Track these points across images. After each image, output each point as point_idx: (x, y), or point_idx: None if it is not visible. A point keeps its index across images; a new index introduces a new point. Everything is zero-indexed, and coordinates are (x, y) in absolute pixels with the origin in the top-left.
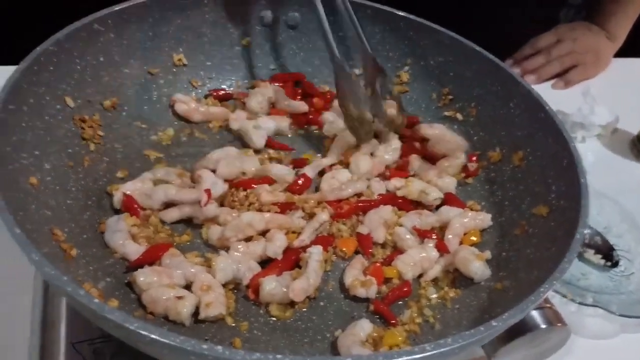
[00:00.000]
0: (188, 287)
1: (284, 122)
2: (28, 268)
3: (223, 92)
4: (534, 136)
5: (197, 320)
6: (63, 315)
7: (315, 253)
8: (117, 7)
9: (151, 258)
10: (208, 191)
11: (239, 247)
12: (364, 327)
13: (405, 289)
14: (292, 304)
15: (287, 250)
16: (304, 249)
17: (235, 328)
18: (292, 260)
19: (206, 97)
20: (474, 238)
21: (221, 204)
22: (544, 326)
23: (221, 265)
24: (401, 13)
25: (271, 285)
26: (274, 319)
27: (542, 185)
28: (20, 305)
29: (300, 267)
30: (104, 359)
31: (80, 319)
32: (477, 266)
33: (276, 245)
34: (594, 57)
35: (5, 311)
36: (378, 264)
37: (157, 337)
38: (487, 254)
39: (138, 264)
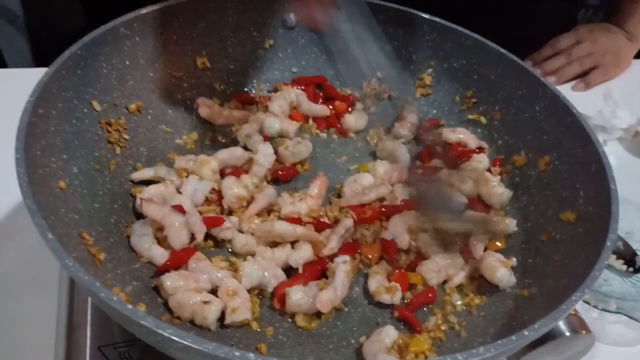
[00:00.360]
0: (214, 291)
1: (292, 127)
2: (53, 271)
3: (246, 95)
4: (561, 141)
5: (222, 325)
6: (88, 318)
7: (343, 263)
8: (143, 11)
9: (177, 262)
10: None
11: (264, 253)
12: (390, 333)
13: (430, 295)
14: (318, 314)
15: (314, 260)
16: (331, 258)
17: (261, 333)
18: (319, 270)
19: (229, 100)
20: (498, 244)
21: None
22: (568, 334)
23: (247, 270)
24: (424, 15)
25: (297, 296)
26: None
27: (569, 191)
28: (46, 308)
29: (327, 277)
30: None
31: (105, 322)
32: (502, 273)
33: (299, 256)
34: (614, 57)
35: (31, 314)
36: (403, 270)
37: (190, 344)
38: (513, 261)
39: (165, 269)
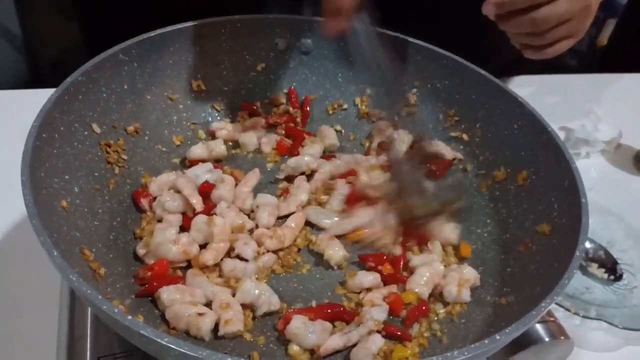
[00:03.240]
0: (208, 305)
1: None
2: (54, 285)
3: (252, 106)
4: (537, 157)
5: (216, 336)
6: (88, 330)
7: (372, 321)
8: (140, 38)
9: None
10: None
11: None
12: (376, 341)
13: (424, 308)
14: (312, 351)
15: (334, 304)
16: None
17: (253, 342)
18: (334, 314)
19: (239, 110)
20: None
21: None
22: (547, 339)
23: (245, 287)
24: (410, 39)
25: (297, 324)
26: None
27: (545, 204)
28: (47, 321)
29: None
30: None
31: (105, 333)
32: (448, 290)
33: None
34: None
35: (33, 326)
36: (396, 293)
37: (186, 351)
38: (471, 282)
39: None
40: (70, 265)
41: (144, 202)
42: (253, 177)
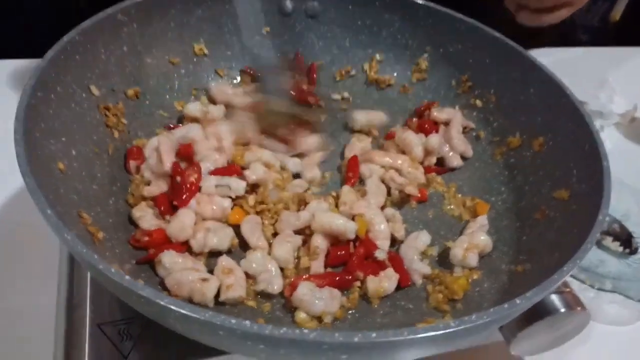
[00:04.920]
0: (210, 272)
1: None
2: (52, 252)
3: (254, 71)
4: (555, 121)
5: (217, 303)
6: (88, 297)
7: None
8: None
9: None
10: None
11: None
12: (423, 238)
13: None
14: (319, 318)
15: (342, 272)
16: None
17: (258, 310)
18: (341, 281)
19: (241, 73)
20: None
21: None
22: (563, 310)
23: (250, 257)
24: (419, 1)
25: (303, 291)
26: None
27: (563, 170)
28: (46, 288)
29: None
30: (129, 339)
31: (104, 301)
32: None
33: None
34: None
35: (31, 295)
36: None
37: (188, 312)
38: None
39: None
40: (67, 227)
41: (132, 165)
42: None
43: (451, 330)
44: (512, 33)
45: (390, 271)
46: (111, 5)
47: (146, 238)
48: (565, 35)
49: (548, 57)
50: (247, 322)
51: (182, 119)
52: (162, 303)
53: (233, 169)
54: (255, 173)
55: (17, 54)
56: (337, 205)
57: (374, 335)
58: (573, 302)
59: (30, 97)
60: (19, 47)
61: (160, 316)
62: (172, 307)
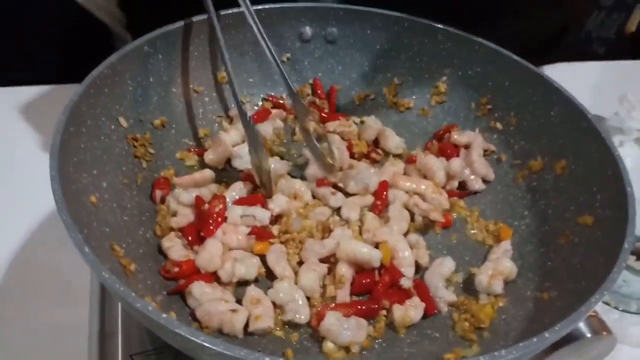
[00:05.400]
0: (238, 301)
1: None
2: (84, 281)
3: (276, 99)
4: (577, 145)
5: (247, 333)
6: (119, 327)
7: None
8: (165, 29)
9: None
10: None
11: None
12: (447, 265)
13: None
14: (347, 348)
15: (369, 301)
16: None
17: (286, 340)
18: (368, 310)
19: (263, 100)
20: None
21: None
22: (589, 335)
23: (277, 287)
24: (438, 25)
25: (331, 320)
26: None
27: (586, 195)
28: (78, 318)
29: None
30: None
31: (136, 330)
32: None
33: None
34: None
35: (63, 323)
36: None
37: (223, 350)
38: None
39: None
40: (102, 261)
41: (158, 194)
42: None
43: None
44: (524, 48)
45: (416, 300)
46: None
47: (176, 269)
48: (580, 48)
49: (564, 72)
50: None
51: (202, 143)
52: (197, 341)
53: (257, 198)
54: (278, 205)
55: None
56: (360, 232)
57: None
58: (599, 327)
59: (64, 132)
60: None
61: (195, 352)
62: (208, 345)
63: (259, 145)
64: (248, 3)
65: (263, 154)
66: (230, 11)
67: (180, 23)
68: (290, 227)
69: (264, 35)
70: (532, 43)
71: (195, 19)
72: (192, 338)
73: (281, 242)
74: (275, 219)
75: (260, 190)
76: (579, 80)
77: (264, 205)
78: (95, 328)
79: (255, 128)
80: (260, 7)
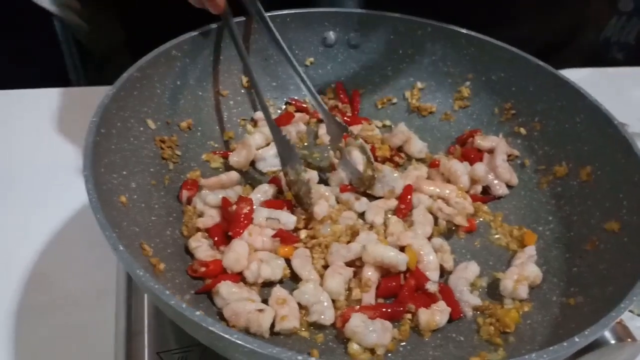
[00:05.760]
0: (264, 301)
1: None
2: (110, 280)
3: (299, 103)
4: (603, 151)
5: (272, 333)
6: (146, 325)
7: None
8: (192, 34)
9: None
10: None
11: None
12: (472, 269)
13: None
14: (372, 350)
15: (395, 303)
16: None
17: (311, 340)
18: (392, 313)
19: (287, 104)
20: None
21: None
22: (613, 342)
23: (303, 288)
24: (462, 30)
25: (356, 322)
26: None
27: (612, 201)
28: (104, 316)
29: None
30: None
31: (162, 329)
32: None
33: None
34: None
35: (90, 320)
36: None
37: (256, 348)
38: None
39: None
40: (137, 262)
41: (184, 195)
42: None
43: None
44: (532, 50)
45: (442, 304)
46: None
47: (203, 269)
48: (599, 53)
49: (582, 77)
50: (313, 359)
51: (229, 145)
52: (231, 339)
53: (282, 202)
54: (322, 211)
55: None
56: (385, 236)
57: None
58: (623, 334)
59: (96, 134)
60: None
61: (227, 350)
62: (241, 343)
63: (296, 159)
64: (263, 12)
65: (301, 167)
66: (244, 18)
67: (207, 28)
68: (318, 232)
69: (281, 42)
70: (541, 45)
71: (221, 23)
72: (225, 335)
73: (306, 247)
74: (305, 224)
75: (283, 196)
76: (598, 86)
77: (290, 210)
78: (122, 326)
79: (292, 144)
80: (285, 12)
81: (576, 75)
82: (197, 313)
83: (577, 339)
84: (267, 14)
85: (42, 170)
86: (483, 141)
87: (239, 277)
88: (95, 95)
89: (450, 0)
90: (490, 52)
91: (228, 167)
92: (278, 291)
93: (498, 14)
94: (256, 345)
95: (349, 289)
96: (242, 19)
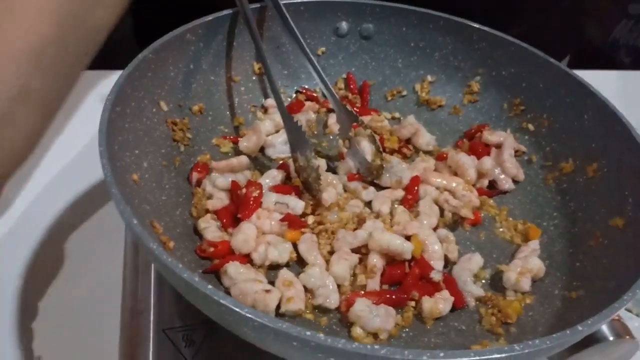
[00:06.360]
0: (270, 283)
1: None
2: (117, 255)
3: (310, 92)
4: (610, 148)
5: (277, 314)
6: (152, 303)
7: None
8: (207, 18)
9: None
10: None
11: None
12: (476, 260)
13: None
14: (375, 335)
15: (399, 290)
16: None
17: (315, 323)
18: (397, 299)
19: (297, 93)
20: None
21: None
22: (612, 338)
23: (309, 272)
24: (474, 24)
25: (360, 307)
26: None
27: (617, 198)
28: (111, 292)
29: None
30: (192, 346)
31: (168, 308)
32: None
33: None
34: None
35: (96, 298)
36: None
37: (266, 323)
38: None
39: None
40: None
41: (194, 177)
42: None
43: (517, 352)
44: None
45: (445, 293)
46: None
47: (212, 249)
48: (607, 56)
49: (590, 80)
50: (322, 336)
51: (238, 131)
52: (242, 312)
53: (290, 187)
54: (331, 198)
55: None
56: (390, 225)
57: (441, 354)
58: (622, 331)
59: (111, 111)
60: None
61: (237, 325)
62: (252, 317)
63: (307, 145)
64: (278, 0)
65: (311, 154)
66: (258, 5)
67: (221, 13)
68: (325, 218)
69: (295, 30)
70: (548, 46)
71: (236, 10)
72: (235, 309)
73: (313, 232)
74: (312, 209)
75: (290, 182)
76: (605, 88)
77: (298, 195)
78: (127, 304)
79: (302, 130)
80: (298, 0)
81: (583, 76)
82: (210, 287)
83: (580, 327)
84: (281, 2)
85: (52, 152)
86: (491, 136)
87: (246, 259)
88: (104, 79)
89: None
90: (502, 47)
91: (237, 152)
92: (285, 274)
93: (507, 12)
94: (266, 319)
95: (354, 275)
96: (257, 5)
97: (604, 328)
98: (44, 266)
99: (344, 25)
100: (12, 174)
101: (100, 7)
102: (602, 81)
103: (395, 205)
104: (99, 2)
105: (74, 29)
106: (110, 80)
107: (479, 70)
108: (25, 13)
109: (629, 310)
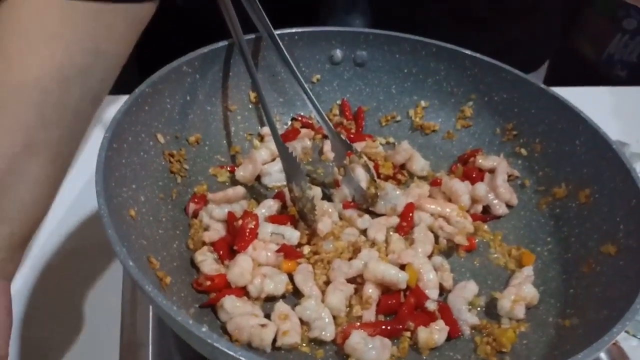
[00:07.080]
0: (266, 316)
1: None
2: (116, 291)
3: (305, 119)
4: (601, 174)
5: (273, 347)
6: (150, 338)
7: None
8: (203, 50)
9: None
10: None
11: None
12: (471, 288)
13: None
14: None
15: (395, 320)
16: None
17: (311, 356)
18: (392, 330)
19: (292, 120)
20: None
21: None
22: None
23: (305, 304)
24: (466, 51)
25: (356, 339)
26: None
27: (610, 224)
28: (109, 328)
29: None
30: None
31: (166, 342)
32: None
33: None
34: None
35: (95, 331)
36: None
37: None
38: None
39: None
40: (144, 275)
41: (191, 208)
42: None
43: None
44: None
45: (441, 323)
46: None
47: (208, 283)
48: (602, 71)
49: (585, 95)
50: None
51: (235, 160)
52: (236, 355)
53: (288, 217)
54: (326, 227)
55: None
56: (385, 253)
57: None
58: (618, 355)
59: (108, 149)
60: None
61: None
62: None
63: (302, 176)
64: (272, 30)
65: (306, 185)
66: (253, 36)
67: (217, 45)
68: (320, 248)
69: (289, 60)
70: (541, 62)
71: (231, 41)
72: (230, 352)
73: (309, 262)
74: (307, 239)
75: (286, 211)
76: (600, 104)
77: (293, 225)
78: (126, 339)
79: (298, 160)
80: (293, 30)
81: (578, 93)
82: (203, 329)
83: None
84: (276, 32)
85: None
86: (484, 161)
87: (242, 292)
88: (103, 103)
89: (456, 24)
90: (493, 73)
91: (234, 181)
92: (281, 306)
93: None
94: None
95: (350, 306)
96: (252, 36)
97: (601, 354)
98: (43, 298)
99: (338, 53)
100: (33, 232)
101: (102, 58)
102: (597, 98)
103: (391, 233)
104: (100, 53)
105: (76, 80)
106: (109, 103)
107: (472, 95)
108: (28, 69)
109: (626, 331)
